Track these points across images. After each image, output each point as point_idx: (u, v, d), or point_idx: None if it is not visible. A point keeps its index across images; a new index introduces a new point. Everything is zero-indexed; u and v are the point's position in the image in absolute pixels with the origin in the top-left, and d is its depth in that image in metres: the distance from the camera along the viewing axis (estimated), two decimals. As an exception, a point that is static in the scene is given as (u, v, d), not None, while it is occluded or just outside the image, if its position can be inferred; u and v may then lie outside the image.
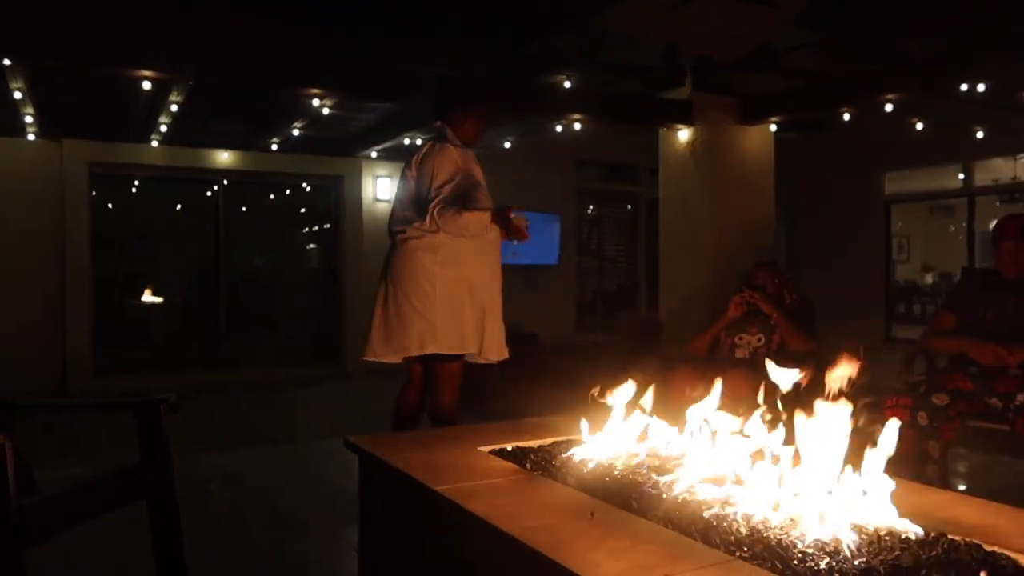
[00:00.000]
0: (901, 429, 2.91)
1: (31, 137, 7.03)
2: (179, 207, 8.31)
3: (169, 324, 8.17)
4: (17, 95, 5.68)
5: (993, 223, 3.54)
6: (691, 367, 3.91)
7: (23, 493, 1.88)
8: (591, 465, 1.94)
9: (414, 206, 3.28)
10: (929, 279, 13.49)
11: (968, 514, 1.67)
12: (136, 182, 7.99)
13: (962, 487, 3.79)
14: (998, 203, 10.42)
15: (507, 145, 7.70)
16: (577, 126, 6.19)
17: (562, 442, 2.28)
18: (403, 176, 3.42)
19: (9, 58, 4.55)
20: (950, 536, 1.50)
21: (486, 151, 8.02)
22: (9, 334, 6.94)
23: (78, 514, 2.04)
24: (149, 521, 2.24)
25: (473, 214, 3.19)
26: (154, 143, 7.36)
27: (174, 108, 6.02)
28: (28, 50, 4.27)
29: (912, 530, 1.49)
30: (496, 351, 3.41)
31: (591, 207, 9.89)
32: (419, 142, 7.84)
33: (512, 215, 3.32)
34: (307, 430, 5.61)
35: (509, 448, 2.23)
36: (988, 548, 1.46)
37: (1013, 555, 1.44)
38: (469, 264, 3.29)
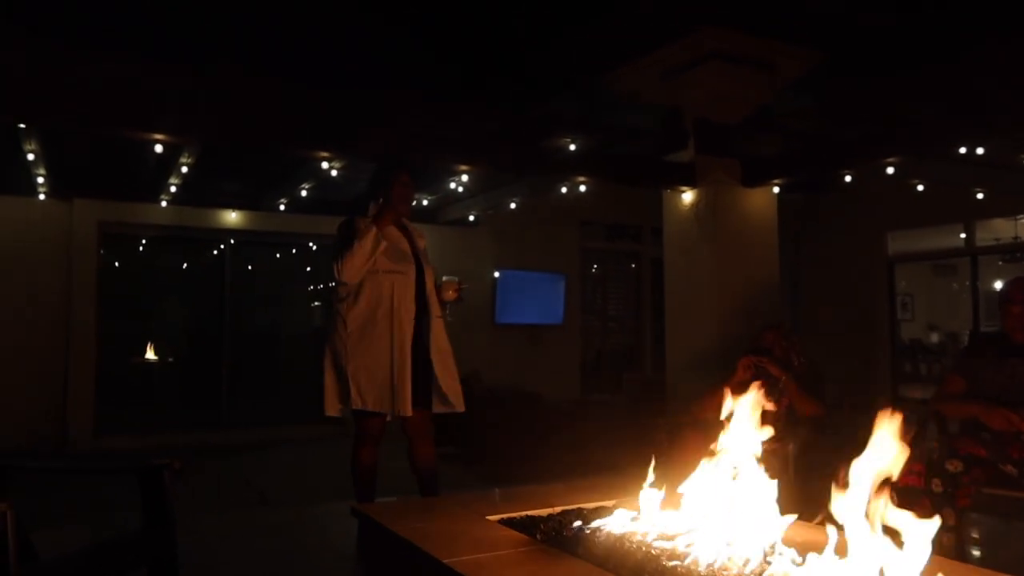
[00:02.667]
0: (916, 496, 2.89)
1: (42, 196, 7.13)
2: (185, 266, 8.36)
3: (172, 383, 8.14)
4: (30, 156, 5.78)
5: (997, 283, 3.55)
6: (699, 429, 3.86)
7: (21, 560, 1.84)
8: (604, 537, 1.90)
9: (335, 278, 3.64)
10: (934, 338, 13.44)
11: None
12: (144, 241, 8.06)
13: (977, 553, 3.70)
14: (1000, 262, 10.45)
15: (512, 205, 7.79)
16: (582, 187, 6.26)
17: (572, 511, 2.24)
18: None
19: (21, 121, 4.64)
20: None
21: (491, 211, 8.15)
22: (12, 391, 6.91)
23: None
24: (149, 590, 2.19)
25: (359, 243, 3.48)
26: (163, 203, 7.45)
27: (184, 169, 6.12)
28: (41, 113, 4.35)
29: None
30: (453, 401, 3.60)
31: (595, 266, 9.94)
32: (425, 202, 7.98)
33: (444, 280, 3.70)
34: (310, 492, 5.53)
35: (518, 517, 2.19)
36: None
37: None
38: (378, 331, 3.50)
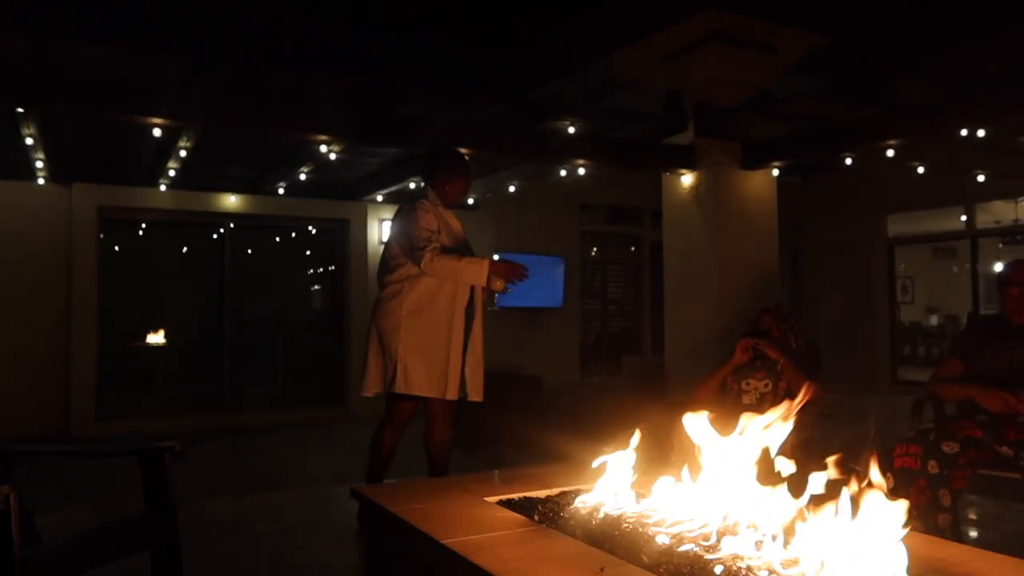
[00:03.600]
0: (912, 477, 2.91)
1: (41, 181, 7.12)
2: (185, 250, 8.36)
3: (174, 367, 8.16)
4: (29, 140, 5.77)
5: (996, 265, 3.55)
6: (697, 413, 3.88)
7: (25, 543, 1.86)
8: (601, 517, 1.91)
9: (392, 260, 3.64)
10: (934, 320, 13.46)
11: (983, 570, 1.64)
12: (144, 225, 8.05)
13: (973, 534, 3.73)
14: (1000, 245, 10.46)
15: (512, 189, 7.77)
16: (581, 171, 6.25)
17: (570, 492, 2.26)
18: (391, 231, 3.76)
19: (22, 106, 4.63)
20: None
21: (490, 195, 8.14)
22: (14, 376, 6.94)
23: (81, 565, 2.02)
24: (152, 570, 2.21)
25: (471, 262, 3.50)
26: (162, 187, 7.44)
27: (183, 153, 6.11)
28: (39, 98, 4.34)
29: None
30: (472, 392, 3.64)
31: (595, 250, 9.94)
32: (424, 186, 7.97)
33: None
34: (311, 475, 5.56)
35: (516, 498, 2.21)
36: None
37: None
38: (436, 313, 3.54)
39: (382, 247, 8.43)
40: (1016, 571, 1.65)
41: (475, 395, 3.66)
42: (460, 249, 3.64)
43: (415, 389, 3.49)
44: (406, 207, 3.67)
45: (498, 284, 3.69)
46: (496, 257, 3.83)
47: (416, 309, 3.52)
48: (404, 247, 3.57)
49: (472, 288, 3.65)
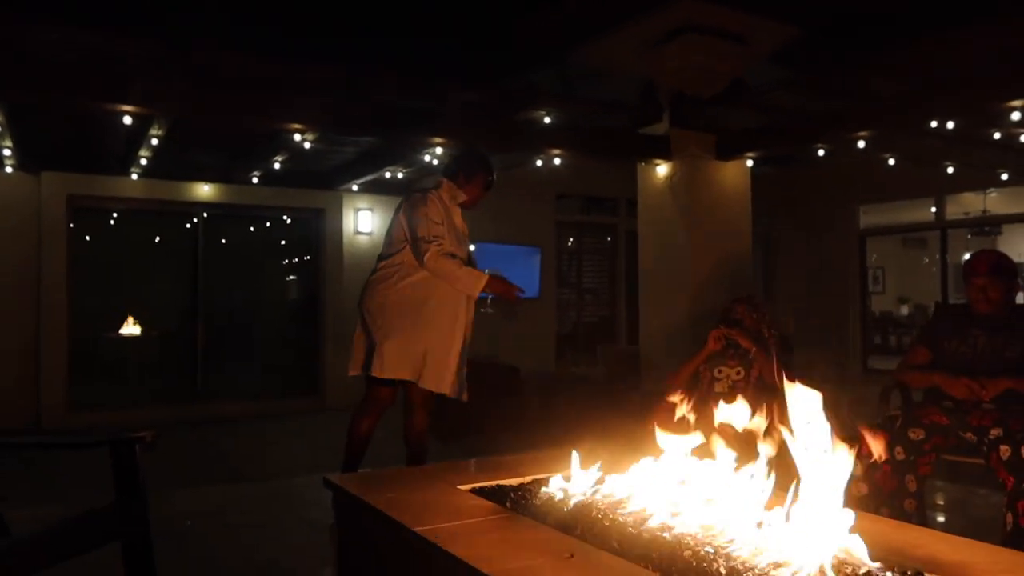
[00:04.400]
0: (880, 463, 2.96)
1: (8, 170, 6.99)
2: (158, 240, 8.26)
3: (146, 358, 8.07)
4: (-5, 128, 5.66)
5: (965, 255, 3.61)
6: (670, 401, 3.92)
7: (-7, 536, 1.84)
8: (572, 504, 1.93)
9: (391, 245, 3.65)
10: (904, 310, 13.66)
11: (945, 551, 1.68)
12: (115, 215, 7.95)
13: (940, 519, 3.81)
14: (969, 236, 10.63)
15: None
16: (557, 160, 6.25)
17: (542, 479, 2.28)
18: (394, 216, 3.74)
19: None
20: (927, 575, 1.51)
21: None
22: (-19, 368, 6.84)
23: (51, 557, 2.00)
24: (123, 562, 2.20)
25: (470, 273, 3.55)
26: (134, 176, 7.34)
27: (155, 141, 6.02)
28: (4, 85, 4.25)
29: (889, 569, 1.51)
30: (433, 383, 3.62)
31: (571, 239, 9.96)
32: (400, 176, 7.94)
33: (488, 271, 3.70)
34: (284, 466, 5.54)
35: (489, 486, 2.22)
36: (963, 586, 1.48)
37: (988, 593, 1.46)
38: (440, 309, 3.56)
39: (358, 236, 8.47)
40: (975, 553, 1.69)
41: (461, 394, 3.70)
42: (462, 248, 3.68)
43: (389, 372, 3.51)
44: (417, 195, 3.66)
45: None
46: (472, 248, 3.84)
47: (402, 298, 3.54)
48: (409, 235, 3.56)
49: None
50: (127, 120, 4.86)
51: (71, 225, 7.45)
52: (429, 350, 3.55)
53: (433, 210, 3.54)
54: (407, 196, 3.73)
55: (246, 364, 8.52)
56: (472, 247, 3.88)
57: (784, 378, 1.65)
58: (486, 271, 3.62)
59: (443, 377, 3.60)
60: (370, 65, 5.22)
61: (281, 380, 8.64)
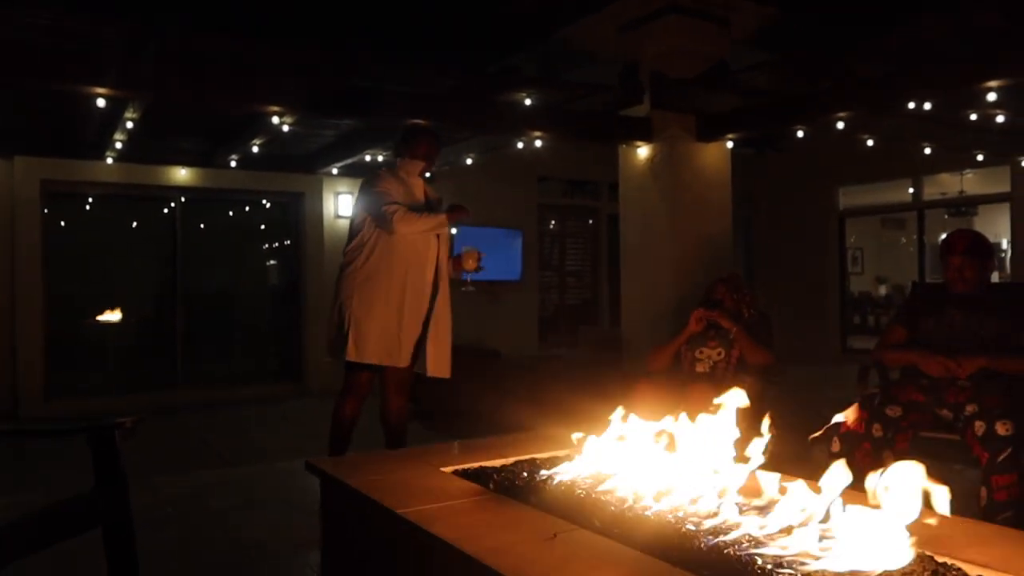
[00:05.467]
0: (858, 441, 3.00)
1: (-20, 154, 6.88)
2: (135, 225, 8.16)
3: (125, 344, 7.99)
4: (-34, 112, 5.55)
5: (942, 236, 3.65)
6: (652, 381, 3.95)
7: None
8: (554, 484, 1.94)
9: (351, 232, 3.70)
10: (883, 291, 13.81)
11: (920, 525, 1.71)
12: (90, 200, 7.83)
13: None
14: (946, 216, 10.75)
15: (468, 161, 7.73)
16: (538, 143, 6.23)
17: (525, 461, 2.29)
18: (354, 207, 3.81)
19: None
20: (902, 548, 1.53)
21: (447, 167, 8.08)
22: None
23: (30, 544, 1.99)
24: (104, 548, 2.19)
25: (430, 217, 3.55)
26: (109, 160, 7.23)
27: (129, 125, 5.93)
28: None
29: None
30: (434, 367, 3.66)
31: (553, 222, 9.96)
32: (380, 159, 7.88)
33: (464, 250, 3.77)
34: (266, 451, 5.53)
35: (472, 468, 2.23)
36: (939, 559, 1.51)
37: (963, 565, 1.49)
38: (389, 282, 3.56)
39: (338, 220, 8.42)
40: (951, 526, 1.72)
41: (438, 371, 3.66)
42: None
43: (366, 356, 3.52)
44: (368, 178, 3.72)
45: (470, 264, 3.74)
46: (454, 231, 3.84)
47: (368, 277, 3.55)
48: (371, 216, 3.58)
49: (437, 265, 3.65)
50: (101, 103, 4.77)
51: (45, 210, 7.34)
52: (404, 331, 3.56)
53: (385, 185, 3.58)
54: (361, 184, 3.78)
55: (226, 349, 8.47)
56: (453, 231, 3.88)
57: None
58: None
59: (440, 360, 3.64)
60: (350, 47, 5.17)
61: (262, 365, 8.60)
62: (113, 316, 7.87)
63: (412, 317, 3.58)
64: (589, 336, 8.02)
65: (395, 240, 3.52)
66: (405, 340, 3.56)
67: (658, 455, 1.98)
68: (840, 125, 5.78)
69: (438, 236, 3.67)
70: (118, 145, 6.67)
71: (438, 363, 3.66)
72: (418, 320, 3.60)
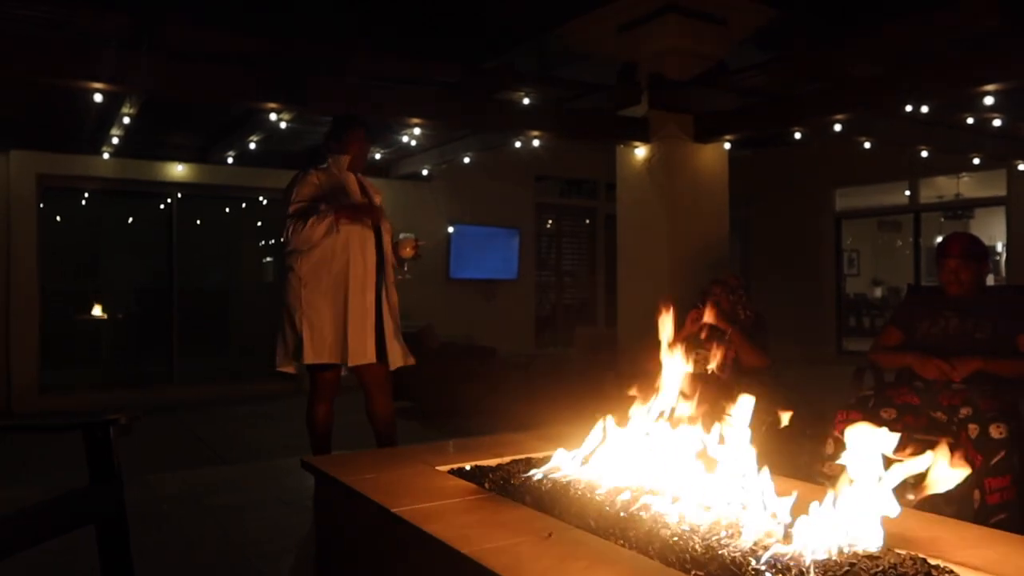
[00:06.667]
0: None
1: (-25, 148, 6.85)
2: (131, 220, 8.14)
3: (120, 340, 7.98)
4: (-39, 106, 5.53)
5: (938, 239, 3.66)
6: (646, 381, 3.94)
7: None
8: (550, 484, 1.94)
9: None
10: (878, 293, 13.84)
11: (914, 528, 1.71)
12: (86, 195, 7.81)
13: (910, 497, 3.88)
14: (942, 219, 10.78)
15: (466, 160, 7.73)
16: (536, 142, 6.24)
17: (521, 460, 2.29)
18: None
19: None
20: (896, 550, 1.54)
21: (445, 165, 8.08)
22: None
23: (23, 540, 1.98)
24: (98, 546, 2.18)
25: (314, 221, 3.41)
26: (105, 155, 7.21)
27: (126, 120, 5.92)
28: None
29: (861, 545, 1.53)
30: (392, 358, 3.60)
31: (550, 222, 9.96)
32: (377, 156, 7.87)
33: (402, 237, 3.70)
34: (262, 448, 5.52)
35: (468, 467, 2.23)
36: (932, 561, 1.51)
37: (955, 567, 1.49)
38: (331, 280, 3.50)
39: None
40: (943, 528, 1.73)
41: (396, 361, 3.61)
42: (319, 205, 3.53)
43: (323, 356, 3.47)
44: (294, 177, 3.64)
45: (407, 251, 3.70)
46: (404, 234, 3.80)
47: (311, 279, 3.49)
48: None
49: (380, 254, 3.60)
50: (98, 98, 4.77)
51: (41, 205, 7.32)
52: (351, 327, 3.48)
53: (299, 190, 3.52)
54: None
55: (222, 346, 8.46)
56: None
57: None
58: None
59: (368, 348, 3.52)
60: (347, 44, 5.16)
61: (256, 362, 8.57)
62: (108, 312, 7.86)
63: (358, 311, 3.50)
64: (585, 336, 8.03)
65: (327, 239, 3.45)
66: (355, 336, 3.48)
67: (653, 453, 1.98)
68: (837, 127, 5.79)
69: (375, 227, 3.59)
70: (115, 140, 6.66)
71: (395, 354, 3.61)
72: (364, 313, 3.52)
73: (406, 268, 3.79)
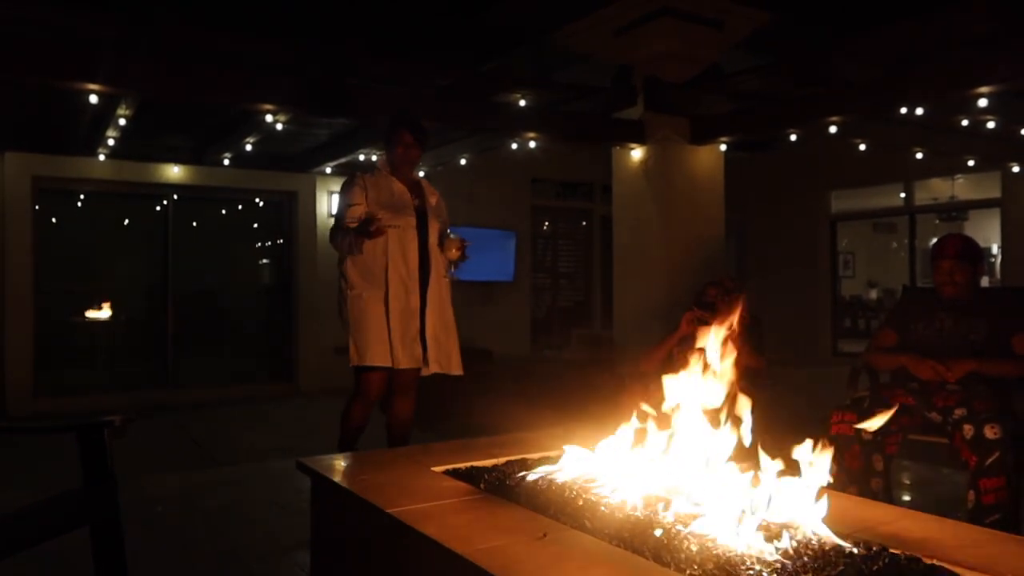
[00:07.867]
0: (847, 443, 3.01)
1: (-30, 150, 6.84)
2: (127, 222, 8.13)
3: (115, 342, 7.96)
4: (-44, 107, 5.52)
5: (933, 240, 3.67)
6: (643, 383, 3.95)
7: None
8: (545, 484, 1.94)
9: None
10: (874, 294, 13.85)
11: (910, 528, 1.72)
12: (82, 197, 7.80)
13: (906, 498, 3.89)
14: (937, 221, 10.79)
15: (463, 162, 7.73)
16: (532, 144, 6.24)
17: (516, 461, 2.29)
18: None
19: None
20: (892, 550, 1.54)
21: (441, 167, 8.08)
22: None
23: (17, 542, 1.97)
24: (92, 548, 2.18)
25: (340, 235, 3.54)
26: (101, 157, 7.20)
27: (122, 121, 5.91)
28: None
29: (856, 545, 1.54)
30: (442, 364, 3.66)
31: (546, 224, 9.96)
32: (374, 158, 7.86)
33: (448, 238, 3.69)
34: (257, 451, 5.51)
35: (463, 468, 2.23)
36: (927, 561, 1.51)
37: (950, 567, 1.49)
38: (374, 284, 3.53)
39: (331, 220, 8.37)
40: (939, 528, 1.73)
41: (441, 367, 3.63)
42: (401, 217, 3.57)
43: (367, 359, 3.48)
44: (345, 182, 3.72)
45: (452, 252, 3.66)
46: (451, 234, 3.76)
47: (355, 279, 3.54)
48: None
49: (422, 255, 3.60)
50: (93, 99, 4.76)
51: (36, 207, 7.30)
52: (393, 328, 3.50)
53: (348, 195, 3.60)
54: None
55: (218, 348, 8.44)
56: (450, 232, 3.82)
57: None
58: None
59: (447, 356, 3.64)
60: (344, 45, 5.16)
61: (253, 365, 8.57)
62: (104, 314, 7.84)
63: (399, 314, 3.51)
64: (581, 337, 8.03)
65: (373, 240, 3.45)
66: (396, 339, 3.50)
67: (649, 456, 1.98)
68: (833, 129, 5.81)
69: (418, 227, 3.60)
70: (110, 142, 6.65)
71: (440, 359, 3.62)
72: (406, 316, 3.52)
73: (452, 270, 3.75)
